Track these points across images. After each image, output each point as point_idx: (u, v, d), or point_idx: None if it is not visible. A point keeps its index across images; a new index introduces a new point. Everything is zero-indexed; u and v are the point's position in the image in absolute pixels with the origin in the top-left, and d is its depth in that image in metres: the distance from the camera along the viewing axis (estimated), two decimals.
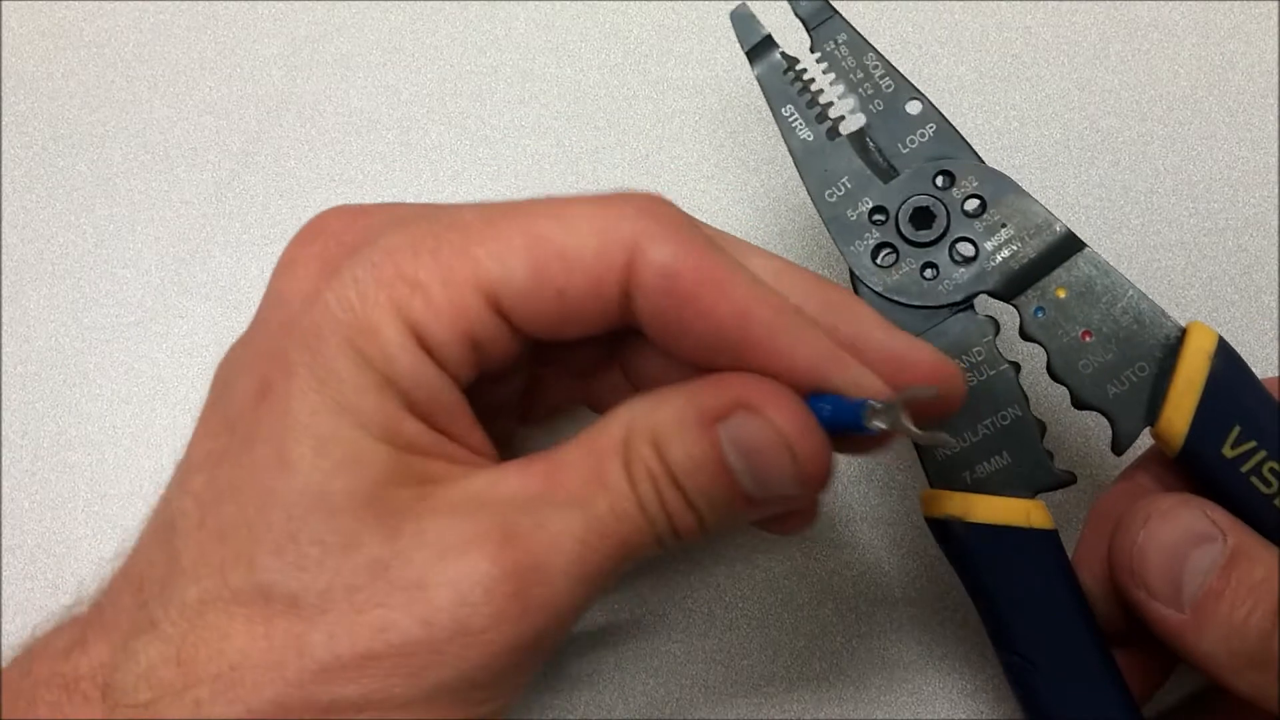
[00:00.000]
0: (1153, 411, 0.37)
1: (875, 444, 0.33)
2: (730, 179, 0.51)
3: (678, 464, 0.30)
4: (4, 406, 0.49)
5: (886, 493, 0.47)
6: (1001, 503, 0.37)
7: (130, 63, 0.54)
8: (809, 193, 0.39)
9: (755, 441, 0.30)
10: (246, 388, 0.30)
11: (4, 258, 0.51)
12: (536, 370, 0.37)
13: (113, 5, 0.54)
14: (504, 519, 0.29)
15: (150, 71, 0.54)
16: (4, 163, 0.52)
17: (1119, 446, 0.37)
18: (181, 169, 0.52)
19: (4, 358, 0.50)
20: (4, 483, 0.48)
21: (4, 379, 0.50)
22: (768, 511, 0.32)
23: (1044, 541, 0.37)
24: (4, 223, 0.52)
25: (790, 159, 0.39)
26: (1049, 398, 0.41)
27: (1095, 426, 0.40)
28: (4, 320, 0.50)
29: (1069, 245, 0.38)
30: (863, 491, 0.47)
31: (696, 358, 0.31)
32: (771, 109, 0.39)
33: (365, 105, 0.53)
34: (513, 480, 0.30)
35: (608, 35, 0.53)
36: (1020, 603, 0.37)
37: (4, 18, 0.54)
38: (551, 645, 0.30)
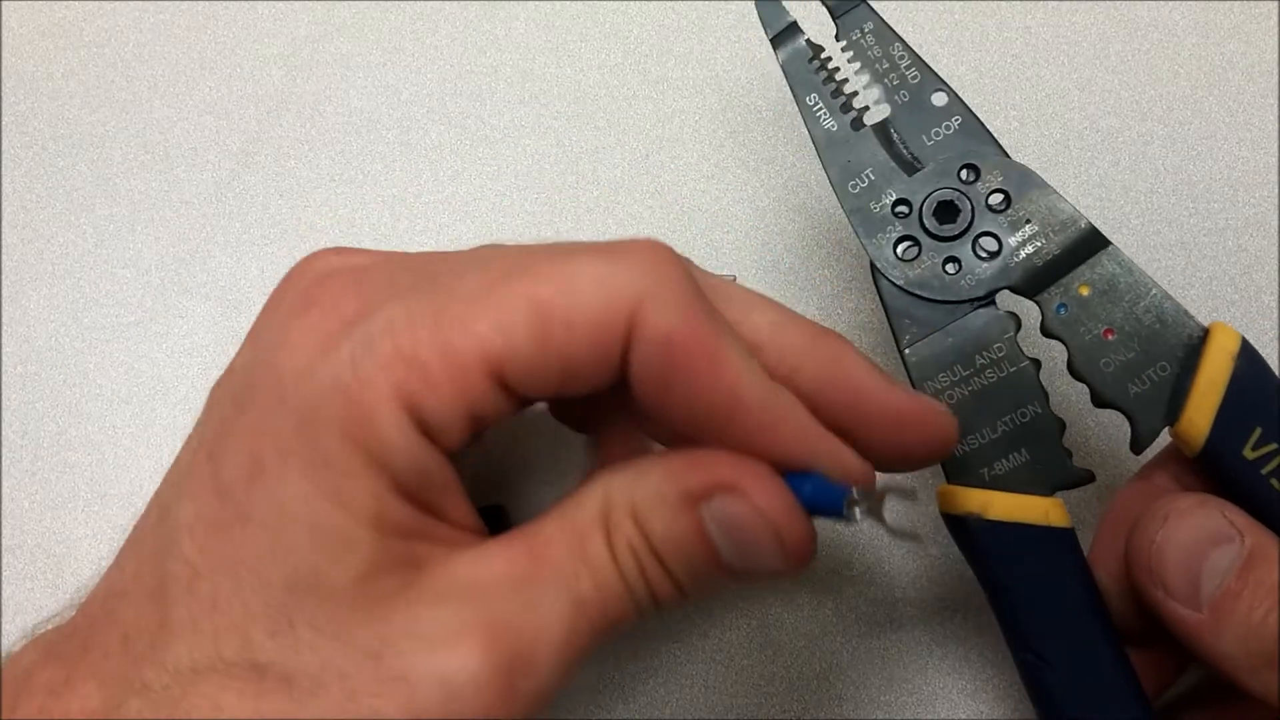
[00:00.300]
0: (1173, 411, 0.36)
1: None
2: (730, 179, 0.50)
3: (658, 537, 0.29)
4: (4, 406, 0.48)
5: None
6: (1019, 500, 0.36)
7: (130, 63, 0.53)
8: (831, 183, 0.38)
9: (739, 523, 0.29)
10: (239, 462, 0.29)
11: (4, 258, 0.50)
12: None
13: (113, 5, 0.54)
14: (491, 607, 0.28)
15: (150, 71, 0.53)
16: (4, 163, 0.52)
17: (1138, 445, 0.36)
18: (181, 169, 0.51)
19: (4, 358, 0.49)
20: (4, 483, 0.47)
21: (4, 379, 0.49)
22: (750, 581, 0.32)
23: (1061, 539, 0.36)
24: (4, 223, 0.51)
25: (801, 153, 0.38)
26: (1069, 395, 0.40)
27: (1114, 425, 0.39)
28: (4, 320, 0.49)
29: (1093, 242, 0.37)
30: None
31: (679, 424, 0.30)
32: (795, 97, 0.38)
33: (365, 105, 0.52)
34: (497, 562, 0.29)
35: (608, 35, 0.52)
36: (1036, 600, 0.36)
37: (4, 18, 0.54)
38: None
